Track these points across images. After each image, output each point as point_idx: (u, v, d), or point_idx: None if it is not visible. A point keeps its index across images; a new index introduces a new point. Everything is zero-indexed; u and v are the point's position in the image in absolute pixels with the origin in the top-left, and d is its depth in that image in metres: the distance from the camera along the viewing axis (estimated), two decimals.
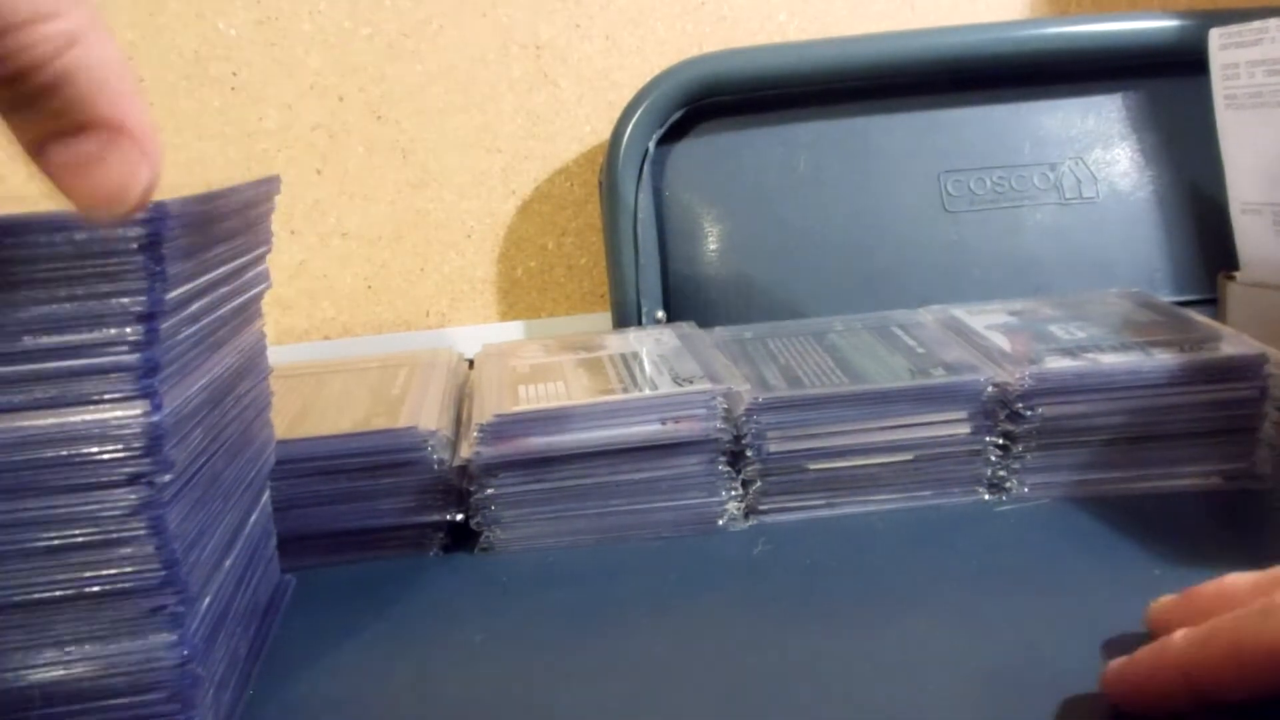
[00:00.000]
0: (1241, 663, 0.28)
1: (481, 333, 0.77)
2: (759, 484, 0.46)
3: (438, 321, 0.78)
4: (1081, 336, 0.49)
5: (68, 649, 0.30)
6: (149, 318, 0.29)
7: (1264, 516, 0.44)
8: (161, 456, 0.29)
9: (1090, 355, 0.46)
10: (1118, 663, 0.31)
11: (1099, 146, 0.70)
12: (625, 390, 0.46)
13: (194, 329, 0.32)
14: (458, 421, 0.49)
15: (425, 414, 0.46)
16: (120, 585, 0.29)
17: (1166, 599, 0.34)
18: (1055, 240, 0.69)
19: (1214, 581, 0.32)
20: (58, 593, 0.29)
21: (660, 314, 0.69)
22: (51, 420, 0.28)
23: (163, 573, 0.29)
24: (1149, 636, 0.32)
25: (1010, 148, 0.70)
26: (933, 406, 0.45)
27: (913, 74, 0.70)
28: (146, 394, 0.29)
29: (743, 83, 0.69)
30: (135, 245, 0.28)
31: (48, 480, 0.28)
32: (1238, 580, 0.32)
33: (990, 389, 0.45)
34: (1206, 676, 0.28)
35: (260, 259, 0.40)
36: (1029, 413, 0.45)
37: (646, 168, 0.69)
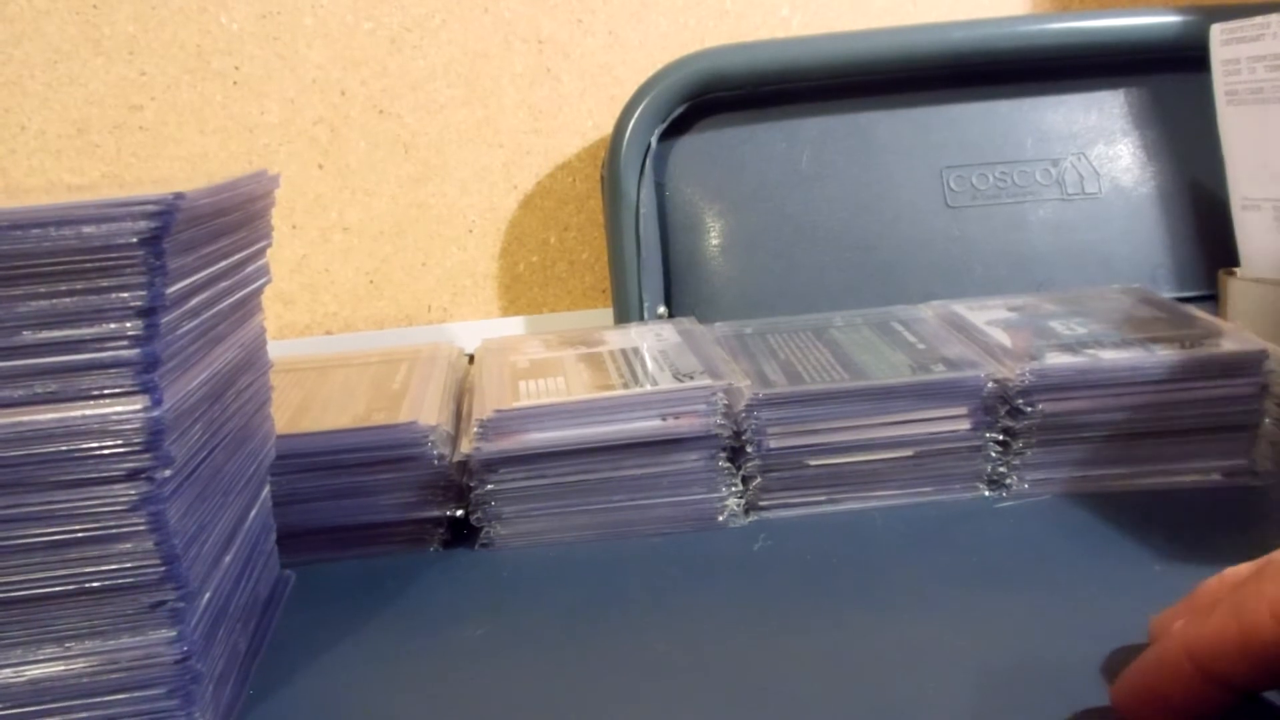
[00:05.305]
0: (1243, 626, 0.26)
1: (483, 328, 0.77)
2: (759, 480, 0.46)
3: (439, 316, 0.78)
4: (1082, 332, 0.49)
5: (68, 644, 0.30)
6: (149, 312, 0.29)
7: (1264, 513, 0.44)
8: (161, 451, 0.29)
9: (1091, 351, 0.46)
10: (1123, 673, 0.29)
11: (1101, 142, 0.70)
12: (626, 386, 0.46)
13: (194, 324, 0.32)
14: (458, 417, 0.49)
15: (426, 409, 0.46)
16: (120, 580, 0.29)
17: (1168, 609, 0.33)
18: (1057, 236, 0.69)
19: (1214, 576, 0.32)
20: (58, 588, 0.29)
21: (661, 309, 0.69)
22: (51, 415, 0.28)
23: (163, 568, 0.30)
24: None
25: (1013, 143, 0.70)
26: (933, 402, 0.45)
27: (915, 69, 0.70)
28: (146, 389, 0.29)
29: (745, 77, 0.69)
30: (136, 240, 0.28)
31: (48, 475, 0.28)
32: (1238, 570, 0.31)
33: (991, 385, 0.45)
34: (1210, 651, 0.27)
35: (261, 253, 0.40)
36: (1029, 409, 0.45)
37: (648, 163, 0.69)
